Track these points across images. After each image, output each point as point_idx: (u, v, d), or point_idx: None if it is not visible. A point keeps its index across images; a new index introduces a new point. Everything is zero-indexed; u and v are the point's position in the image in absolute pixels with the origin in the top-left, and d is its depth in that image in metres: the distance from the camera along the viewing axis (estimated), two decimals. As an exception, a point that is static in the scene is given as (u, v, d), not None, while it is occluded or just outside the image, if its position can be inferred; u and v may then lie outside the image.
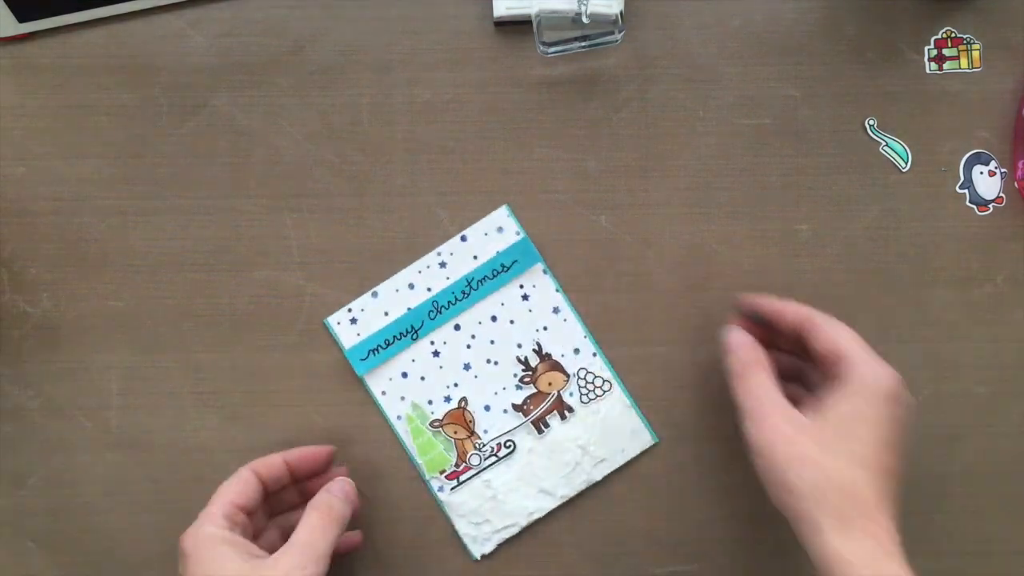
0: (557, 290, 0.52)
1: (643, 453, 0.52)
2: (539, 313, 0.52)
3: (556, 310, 0.52)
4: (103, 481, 0.52)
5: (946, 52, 0.52)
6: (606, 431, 0.52)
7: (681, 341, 0.52)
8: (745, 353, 0.45)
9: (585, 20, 0.49)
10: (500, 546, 0.52)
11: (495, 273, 0.52)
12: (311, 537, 0.42)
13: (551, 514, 0.52)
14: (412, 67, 0.52)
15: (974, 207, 0.52)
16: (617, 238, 0.52)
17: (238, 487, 0.45)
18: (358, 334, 0.52)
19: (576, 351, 0.52)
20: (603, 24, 0.49)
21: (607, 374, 0.52)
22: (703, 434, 0.52)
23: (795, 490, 0.39)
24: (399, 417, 0.52)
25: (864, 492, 0.38)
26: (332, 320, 0.52)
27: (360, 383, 0.52)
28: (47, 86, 0.51)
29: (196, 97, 0.51)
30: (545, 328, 0.52)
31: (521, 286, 0.52)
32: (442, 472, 0.52)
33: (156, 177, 0.52)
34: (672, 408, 0.52)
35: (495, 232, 0.52)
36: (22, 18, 0.50)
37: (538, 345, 0.52)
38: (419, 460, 0.52)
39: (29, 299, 0.51)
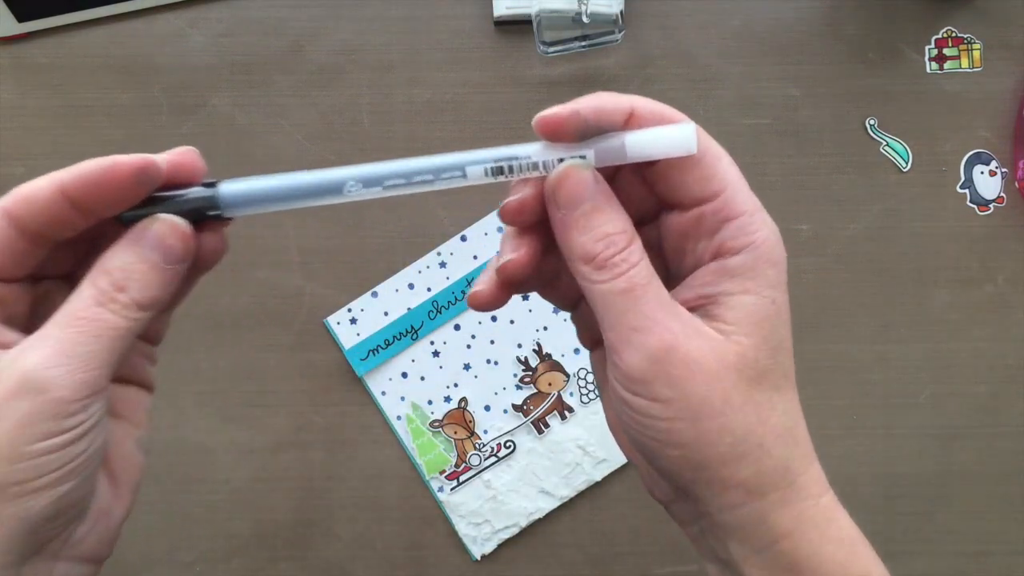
0: None
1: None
2: (539, 313, 0.52)
3: (556, 310, 0.52)
4: (103, 481, 0.51)
5: (947, 52, 0.52)
6: (606, 431, 0.51)
7: (681, 341, 0.52)
8: (612, 219, 0.25)
9: (585, 20, 0.49)
10: (500, 546, 0.52)
11: (495, 273, 0.52)
12: (73, 333, 0.24)
13: (551, 514, 0.52)
14: (412, 67, 0.52)
15: (975, 207, 0.52)
16: (617, 238, 0.52)
17: None
18: (358, 334, 0.52)
19: (576, 351, 0.52)
20: (603, 24, 0.49)
21: None
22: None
23: (720, 452, 0.24)
24: (399, 417, 0.52)
25: (802, 429, 0.26)
26: (332, 320, 0.52)
27: (360, 383, 0.52)
28: (47, 86, 0.51)
29: (196, 97, 0.51)
30: (545, 328, 0.52)
31: None
32: (442, 472, 0.52)
33: (156, 177, 0.51)
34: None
35: (495, 232, 0.52)
36: (22, 18, 0.50)
37: (538, 345, 0.52)
38: (419, 460, 0.52)
39: (29, 299, 0.51)
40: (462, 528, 0.52)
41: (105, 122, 0.51)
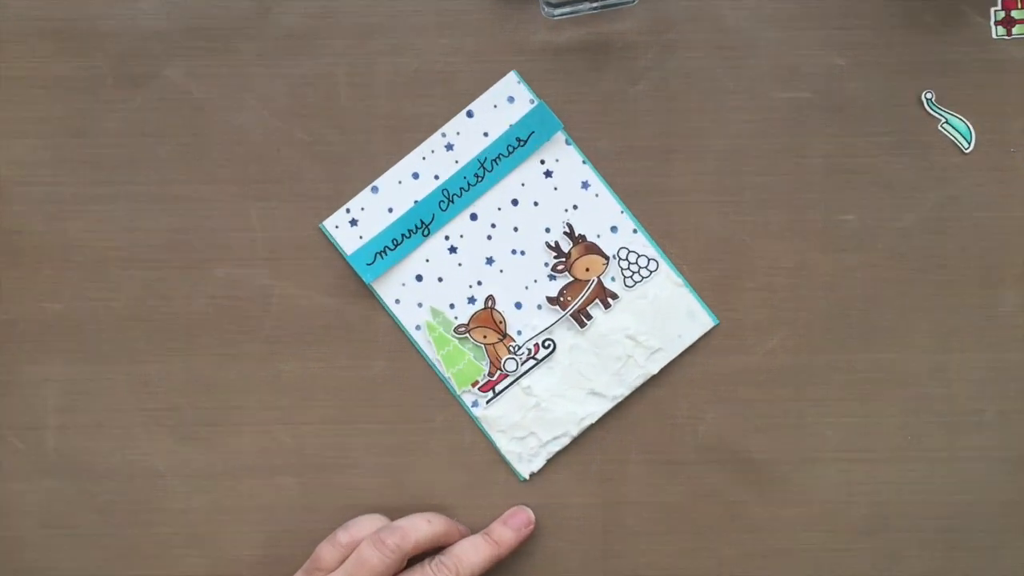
0: (584, 162, 0.49)
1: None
2: (566, 190, 0.49)
3: (586, 185, 0.49)
4: (38, 512, 0.50)
5: (1015, 14, 0.49)
6: (658, 316, 0.49)
7: (706, 349, 0.50)
8: None
9: (597, -24, 0.46)
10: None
11: (510, 149, 0.49)
12: None
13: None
14: (396, 32, 0.49)
15: (1048, 194, 0.50)
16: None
17: None
18: (360, 236, 0.49)
19: (613, 229, 0.49)
20: (618, -20, 0.47)
21: (652, 251, 0.49)
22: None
23: None
24: (418, 327, 0.49)
25: None
26: (329, 224, 0.49)
27: (346, 393, 0.50)
28: (-28, 55, 0.50)
29: (146, 67, 0.49)
30: (575, 207, 0.49)
31: (542, 161, 0.49)
32: (475, 384, 0.50)
33: (100, 160, 0.49)
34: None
35: (505, 103, 0.49)
36: (-59, -26, 0.47)
37: (569, 227, 0.49)
38: (446, 374, 0.49)
39: (-48, 301, 0.50)
40: (504, 445, 0.49)
41: (42, 96, 0.49)
